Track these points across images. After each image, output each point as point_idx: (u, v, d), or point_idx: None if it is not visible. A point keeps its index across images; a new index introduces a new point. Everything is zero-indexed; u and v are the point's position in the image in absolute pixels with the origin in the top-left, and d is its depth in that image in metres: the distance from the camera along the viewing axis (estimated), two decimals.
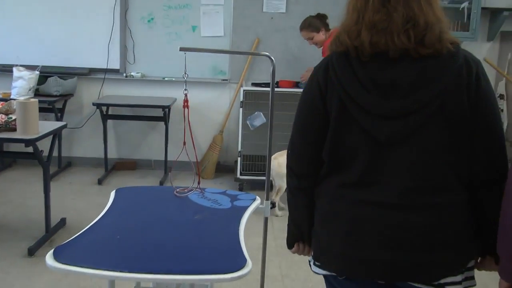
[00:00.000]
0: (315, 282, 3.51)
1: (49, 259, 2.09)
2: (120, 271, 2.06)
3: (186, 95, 2.91)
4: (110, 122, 5.55)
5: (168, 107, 5.19)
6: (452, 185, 1.57)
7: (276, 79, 5.41)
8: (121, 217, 2.62)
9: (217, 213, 2.68)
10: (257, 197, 2.93)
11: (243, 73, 5.59)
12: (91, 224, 2.44)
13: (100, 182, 5.22)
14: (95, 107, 5.26)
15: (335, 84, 1.62)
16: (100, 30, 5.46)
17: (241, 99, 5.11)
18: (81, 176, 5.38)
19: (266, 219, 2.99)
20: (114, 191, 2.91)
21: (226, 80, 5.65)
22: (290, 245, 1.94)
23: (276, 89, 5.10)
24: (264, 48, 5.60)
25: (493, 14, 5.55)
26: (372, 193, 1.60)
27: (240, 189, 5.09)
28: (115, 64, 5.53)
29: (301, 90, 5.07)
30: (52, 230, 3.93)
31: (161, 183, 5.25)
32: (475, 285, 1.65)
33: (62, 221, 4.14)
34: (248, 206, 2.78)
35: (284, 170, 4.64)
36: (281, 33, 5.59)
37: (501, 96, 5.49)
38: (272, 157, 4.61)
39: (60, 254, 2.13)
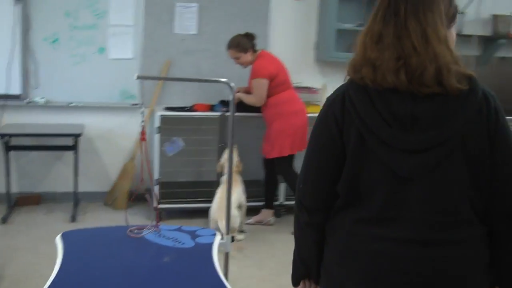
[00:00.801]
0: None
1: None
2: None
3: (143, 127, 2.70)
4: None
5: (79, 135, 4.84)
6: (471, 220, 1.57)
7: (191, 103, 5.28)
8: (82, 265, 2.36)
9: (184, 254, 2.51)
10: (217, 232, 2.79)
11: (154, 97, 5.37)
12: (54, 276, 2.17)
13: (4, 220, 4.72)
14: None
15: (353, 117, 1.57)
16: None
17: (158, 124, 4.88)
18: None
19: (227, 255, 2.87)
20: (60, 236, 2.64)
21: (137, 104, 5.38)
22: (296, 283, 1.86)
23: (193, 113, 5.03)
24: (176, 70, 5.43)
25: (488, 41, 5.87)
26: (391, 229, 1.56)
27: (160, 219, 4.85)
28: (16, 89, 5.05)
29: (216, 113, 5.00)
30: None
31: (73, 217, 4.86)
32: None
33: None
34: (212, 243, 2.64)
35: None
36: (192, 55, 5.46)
37: None
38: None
39: None
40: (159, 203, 4.92)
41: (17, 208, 5.10)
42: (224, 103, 5.19)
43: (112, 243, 2.61)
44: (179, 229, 2.81)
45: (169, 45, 5.39)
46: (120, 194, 5.27)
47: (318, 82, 5.81)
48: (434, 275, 1.53)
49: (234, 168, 4.52)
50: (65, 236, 2.63)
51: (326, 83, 5.82)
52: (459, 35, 5.92)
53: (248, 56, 4.76)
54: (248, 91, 4.87)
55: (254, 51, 4.79)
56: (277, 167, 4.91)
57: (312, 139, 1.70)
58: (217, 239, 2.68)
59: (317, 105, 5.42)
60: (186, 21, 5.40)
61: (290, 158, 4.82)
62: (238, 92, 4.78)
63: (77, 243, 2.58)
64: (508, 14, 5.99)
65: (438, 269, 1.53)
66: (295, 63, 5.78)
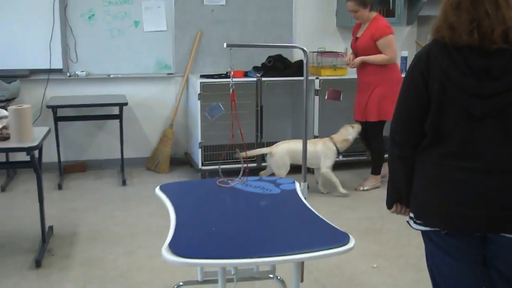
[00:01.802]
0: None
1: (169, 255, 2.12)
2: (243, 258, 2.16)
3: (233, 90, 3.01)
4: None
5: (125, 104, 5.11)
6: None
7: (223, 71, 5.56)
8: (194, 210, 2.66)
9: (275, 198, 2.82)
10: (295, 180, 3.10)
11: (188, 66, 5.64)
12: (174, 220, 2.46)
13: (60, 187, 5.02)
14: (41, 109, 5.04)
15: (437, 70, 1.92)
16: (39, 29, 5.21)
17: (199, 91, 5.16)
18: (34, 182, 5.12)
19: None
20: (158, 188, 2.92)
21: (172, 74, 5.66)
22: (390, 206, 2.24)
23: (228, 80, 5.28)
24: (206, 41, 5.69)
25: (411, 1, 6.11)
26: (469, 161, 1.91)
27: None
28: (58, 64, 5.30)
29: (252, 78, 5.29)
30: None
31: (124, 181, 5.17)
32: None
33: (50, 229, 3.98)
34: (295, 189, 2.95)
35: (281, 161, 4.87)
36: (222, 25, 5.71)
37: None
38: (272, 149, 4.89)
39: (177, 250, 2.16)
40: (202, 164, 5.25)
41: (66, 175, 5.38)
42: (257, 69, 5.48)
43: (208, 192, 2.91)
44: (260, 180, 3.11)
45: (200, 16, 5.64)
46: (162, 158, 5.58)
47: (340, 47, 6.10)
48: (504, 198, 1.88)
49: (341, 138, 4.98)
50: (163, 187, 2.93)
51: (347, 48, 6.11)
52: None
53: (366, 12, 4.88)
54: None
55: (371, 10, 4.93)
56: (370, 131, 5.11)
57: (403, 87, 2.07)
58: (297, 185, 3.00)
59: (344, 68, 5.73)
60: None
61: (383, 124, 5.08)
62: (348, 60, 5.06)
63: (177, 193, 2.86)
64: None
65: (508, 192, 1.88)
66: (318, 29, 6.10)
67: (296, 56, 5.88)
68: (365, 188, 5.16)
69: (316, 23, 6.08)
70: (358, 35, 5.03)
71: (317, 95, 5.53)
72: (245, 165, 3.00)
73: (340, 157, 5.33)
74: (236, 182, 3.00)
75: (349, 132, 5.01)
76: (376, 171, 5.23)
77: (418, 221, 2.06)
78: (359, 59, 4.95)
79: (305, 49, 3.11)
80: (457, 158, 1.94)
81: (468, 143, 1.92)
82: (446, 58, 1.91)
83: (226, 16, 5.71)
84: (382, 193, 5.26)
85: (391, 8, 5.92)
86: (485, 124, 1.90)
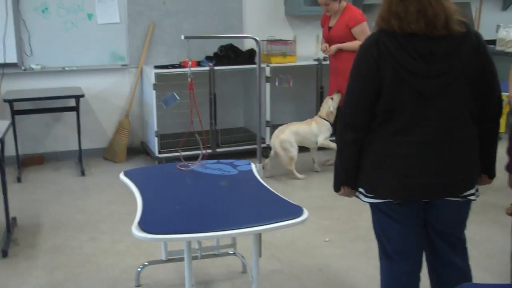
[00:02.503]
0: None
1: (139, 232, 2.31)
2: (207, 232, 2.36)
3: (191, 79, 3.18)
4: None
5: (82, 96, 5.21)
6: (469, 123, 2.20)
7: (176, 61, 5.71)
8: (158, 192, 2.85)
9: (233, 178, 3.03)
10: (251, 162, 3.31)
11: (142, 57, 5.76)
12: (141, 201, 2.63)
13: (19, 179, 5.09)
14: None
15: (387, 55, 2.13)
16: None
17: (154, 82, 5.30)
18: None
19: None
20: (123, 173, 3.08)
21: (126, 65, 5.77)
22: (337, 189, 2.43)
23: (184, 69, 5.44)
24: (159, 32, 5.83)
25: None
26: (417, 135, 2.15)
27: None
28: (12, 58, 5.33)
29: (205, 68, 5.46)
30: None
31: (82, 172, 5.28)
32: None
33: (14, 221, 4.08)
34: (251, 170, 3.17)
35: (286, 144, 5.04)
36: (174, 16, 5.85)
37: None
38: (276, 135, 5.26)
39: (146, 227, 2.34)
40: (159, 152, 5.41)
41: (24, 168, 5.44)
42: (209, 58, 5.66)
43: (170, 175, 3.09)
44: (218, 162, 3.31)
45: (152, 8, 5.76)
46: (119, 148, 5.71)
47: (288, 35, 6.32)
48: (447, 166, 2.16)
49: (326, 112, 5.33)
50: (128, 173, 3.09)
51: (296, 36, 6.35)
52: None
53: (336, 4, 5.08)
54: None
55: (341, 1, 5.13)
56: None
57: (355, 75, 2.27)
58: (253, 166, 3.21)
59: (293, 55, 5.97)
60: None
61: None
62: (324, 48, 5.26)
63: (140, 178, 3.03)
64: None
65: (449, 160, 2.16)
66: (266, 17, 6.29)
67: (247, 45, 6.07)
68: (329, 162, 5.48)
69: (265, 12, 6.28)
70: (331, 24, 5.21)
71: (268, 82, 5.73)
72: (204, 151, 3.19)
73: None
74: (195, 165, 3.19)
75: (330, 104, 5.29)
76: None
77: (369, 195, 2.28)
78: (336, 46, 5.14)
79: (257, 39, 3.31)
80: (405, 134, 2.16)
81: (416, 120, 2.15)
82: (396, 45, 2.12)
83: (178, 7, 5.85)
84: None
85: None
86: (432, 103, 2.13)
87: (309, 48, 6.50)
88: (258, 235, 2.77)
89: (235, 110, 6.31)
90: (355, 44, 5.04)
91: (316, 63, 6.02)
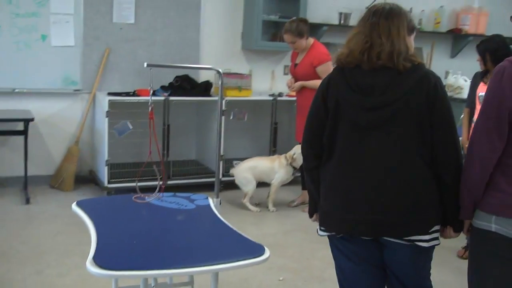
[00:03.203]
0: None
1: (94, 268, 2.19)
2: (166, 269, 2.27)
3: (152, 107, 3.09)
4: None
5: (31, 119, 5.02)
6: (419, 164, 2.15)
7: (130, 89, 5.61)
8: (114, 225, 2.72)
9: (191, 213, 2.95)
10: (208, 196, 3.24)
11: (95, 83, 5.63)
12: (95, 234, 2.51)
13: None
14: None
15: (333, 89, 2.24)
16: None
17: (107, 109, 5.17)
18: None
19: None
20: (75, 204, 2.94)
21: (78, 90, 5.62)
22: (310, 215, 2.50)
23: (139, 98, 5.35)
24: (114, 58, 5.72)
25: (314, 28, 6.46)
26: (357, 169, 2.18)
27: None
28: None
29: (160, 97, 5.38)
30: None
31: (28, 200, 5.05)
32: (439, 243, 2.25)
33: None
34: (209, 205, 3.09)
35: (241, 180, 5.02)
36: (130, 43, 5.77)
37: None
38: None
39: (101, 262, 2.23)
40: (109, 182, 5.25)
41: None
42: (165, 88, 5.58)
43: (125, 207, 2.98)
44: (175, 196, 3.22)
45: (108, 33, 5.67)
46: (67, 176, 5.51)
47: (244, 68, 6.34)
48: (390, 204, 2.13)
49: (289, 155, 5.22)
50: (80, 203, 2.96)
51: (252, 70, 6.37)
52: None
53: (303, 41, 5.05)
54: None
55: (307, 37, 5.11)
56: None
57: (310, 109, 2.37)
58: (210, 201, 3.14)
59: (249, 89, 5.96)
60: (124, 11, 5.70)
61: None
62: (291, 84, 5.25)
63: (94, 209, 2.90)
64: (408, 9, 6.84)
65: (393, 199, 2.13)
66: (223, 50, 6.30)
67: (202, 76, 6.04)
68: (294, 203, 5.40)
69: (222, 44, 6.29)
70: (298, 61, 5.22)
71: (223, 115, 5.69)
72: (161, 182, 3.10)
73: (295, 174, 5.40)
74: (152, 198, 3.09)
75: (295, 149, 5.18)
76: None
77: (321, 228, 2.32)
78: (300, 83, 5.15)
79: (220, 70, 3.28)
80: (348, 166, 2.21)
81: (357, 152, 2.19)
82: (341, 78, 2.23)
83: (134, 35, 5.77)
84: (286, 210, 5.53)
85: None
86: (371, 135, 2.16)
87: (264, 83, 6.53)
88: (217, 274, 2.69)
89: (188, 142, 6.24)
90: (317, 83, 5.05)
91: (271, 98, 6.04)
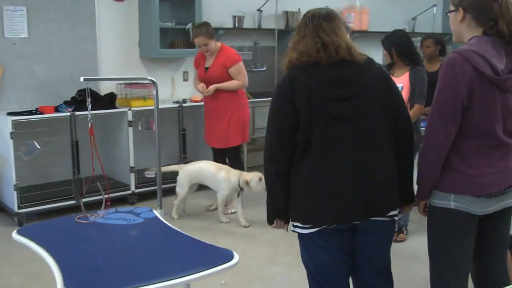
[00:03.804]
0: None
1: None
2: (145, 284, 2.22)
3: (91, 124, 2.99)
4: None
5: None
6: (386, 146, 2.35)
7: (31, 107, 5.33)
8: (68, 249, 2.61)
9: (142, 227, 2.90)
10: (152, 208, 3.20)
11: None
12: (53, 260, 2.40)
13: None
14: None
15: (300, 87, 2.28)
16: None
17: (11, 130, 4.87)
18: None
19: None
20: (16, 231, 2.79)
21: None
22: (270, 222, 2.53)
23: (44, 115, 5.10)
24: (10, 75, 5.41)
25: None
26: (342, 160, 2.28)
27: (20, 224, 4.90)
28: None
29: (65, 113, 5.17)
30: None
31: None
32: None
33: None
34: (156, 216, 3.06)
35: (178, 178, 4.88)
36: (26, 59, 5.48)
37: None
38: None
39: (75, 286, 2.15)
40: (19, 207, 4.95)
41: None
42: (68, 103, 5.37)
43: (72, 230, 2.86)
44: (117, 212, 3.14)
45: (1, 49, 5.34)
46: None
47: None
48: (373, 182, 2.29)
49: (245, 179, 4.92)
50: (23, 230, 2.80)
51: (152, 78, 6.27)
52: (260, 29, 6.92)
53: (213, 43, 5.06)
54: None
55: (215, 40, 5.11)
56: (232, 155, 5.34)
57: (274, 111, 2.38)
58: (157, 212, 3.11)
59: (152, 98, 5.88)
60: (16, 25, 5.40)
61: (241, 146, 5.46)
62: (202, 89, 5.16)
63: (40, 235, 2.75)
64: (296, 10, 7.13)
65: (369, 179, 2.29)
66: (122, 60, 6.17)
67: (104, 89, 5.88)
68: (232, 210, 5.32)
69: (120, 54, 6.15)
70: (207, 65, 5.21)
71: (130, 126, 5.59)
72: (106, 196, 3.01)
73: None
74: (94, 218, 2.98)
75: (255, 180, 4.85)
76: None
77: (306, 226, 2.34)
78: (214, 86, 5.13)
79: (154, 80, 3.25)
80: (328, 159, 2.28)
81: (335, 144, 2.28)
82: (306, 75, 2.28)
83: (30, 50, 5.48)
84: (208, 214, 5.47)
85: (191, 39, 6.26)
86: (346, 126, 2.28)
87: (165, 90, 6.48)
88: (188, 284, 2.67)
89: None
90: (232, 84, 5.15)
91: (177, 105, 6.01)
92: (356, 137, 2.29)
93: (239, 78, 5.20)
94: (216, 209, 5.31)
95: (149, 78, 3.34)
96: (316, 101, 2.27)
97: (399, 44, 4.25)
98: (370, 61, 2.37)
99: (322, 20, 2.36)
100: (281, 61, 2.43)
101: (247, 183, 4.88)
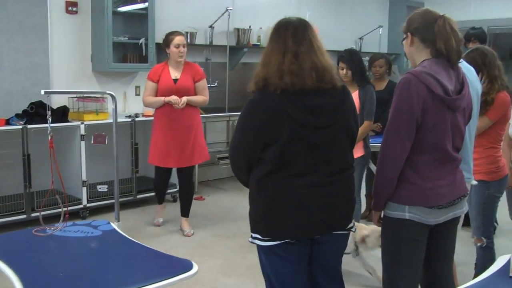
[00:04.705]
0: None
1: None
2: None
3: (51, 136, 3.02)
4: None
5: None
6: (349, 166, 2.52)
7: None
8: (28, 262, 2.62)
9: (101, 239, 2.94)
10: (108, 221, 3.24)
11: None
12: (14, 274, 2.41)
13: None
14: None
15: (278, 111, 2.32)
16: None
17: None
18: None
19: None
20: None
21: None
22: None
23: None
24: None
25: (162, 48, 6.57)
26: (310, 178, 2.39)
27: None
28: None
29: (16, 126, 5.12)
30: None
31: None
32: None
33: None
34: (114, 229, 3.10)
35: None
36: None
37: None
38: None
39: None
40: None
41: None
42: (19, 116, 5.32)
43: (30, 243, 2.86)
44: (74, 225, 3.17)
45: None
46: None
47: (97, 91, 6.23)
48: (335, 203, 2.44)
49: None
50: None
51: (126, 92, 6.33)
52: (211, 45, 7.02)
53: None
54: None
55: None
56: (189, 174, 5.23)
57: (243, 128, 2.42)
58: (115, 224, 3.15)
59: (106, 112, 5.90)
60: None
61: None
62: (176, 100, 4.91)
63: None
64: (247, 27, 7.28)
65: (337, 199, 2.44)
66: (74, 74, 6.15)
67: (55, 102, 5.83)
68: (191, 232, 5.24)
69: (72, 67, 6.13)
70: (175, 77, 5.01)
71: (83, 140, 5.57)
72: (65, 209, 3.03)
73: None
74: (51, 231, 3.00)
75: (369, 231, 3.90)
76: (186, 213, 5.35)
77: (266, 238, 2.43)
78: (186, 98, 4.95)
79: (113, 94, 3.30)
80: (299, 178, 2.37)
81: (309, 166, 2.38)
82: (285, 101, 2.31)
83: None
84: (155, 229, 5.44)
85: (144, 54, 6.31)
86: (321, 151, 2.39)
87: (117, 105, 6.43)
88: None
89: (48, 170, 5.94)
90: (200, 99, 5.08)
91: (129, 119, 6.03)
92: (328, 161, 2.40)
93: (205, 93, 5.14)
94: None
95: (108, 92, 3.37)
96: (295, 128, 2.32)
97: (357, 63, 4.41)
98: (345, 90, 2.47)
99: (312, 37, 2.40)
100: (253, 76, 2.44)
101: (363, 239, 3.89)
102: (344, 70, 4.36)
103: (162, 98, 4.96)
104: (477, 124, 3.27)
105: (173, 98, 4.93)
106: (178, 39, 4.96)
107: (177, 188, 5.75)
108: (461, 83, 2.47)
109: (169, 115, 5.01)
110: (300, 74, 2.34)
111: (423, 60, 2.45)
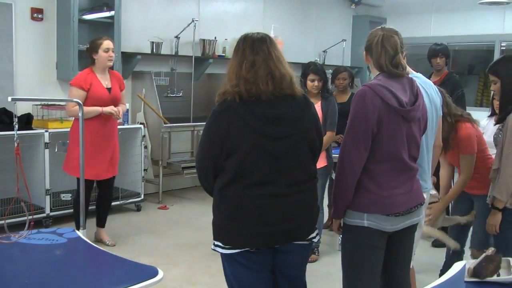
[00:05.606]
0: None
1: None
2: None
3: (18, 143, 3.02)
4: None
5: None
6: (312, 178, 2.58)
7: None
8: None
9: (66, 247, 2.95)
10: (74, 228, 3.25)
11: None
12: None
13: None
14: None
15: (239, 120, 2.39)
16: None
17: None
18: None
19: None
20: None
21: None
22: None
23: None
24: None
25: (128, 57, 6.61)
26: (270, 188, 2.44)
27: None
28: None
29: None
30: None
31: None
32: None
33: None
34: (79, 237, 3.12)
35: None
36: None
37: (142, 124, 6.57)
38: None
39: None
40: None
41: None
42: None
43: None
44: (39, 232, 3.17)
45: None
46: None
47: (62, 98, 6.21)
48: (296, 213, 2.48)
49: None
50: None
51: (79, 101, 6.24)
52: (177, 55, 7.07)
53: None
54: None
55: None
56: (111, 184, 5.18)
57: (208, 137, 2.49)
58: (80, 232, 3.17)
59: (70, 120, 5.87)
60: None
61: None
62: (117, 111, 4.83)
63: None
64: (213, 38, 7.36)
65: (298, 209, 2.49)
66: (39, 81, 6.11)
67: (19, 110, 5.78)
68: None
69: (37, 75, 6.09)
70: (107, 85, 4.89)
71: (47, 148, 5.54)
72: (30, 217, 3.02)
73: None
74: (15, 239, 2.99)
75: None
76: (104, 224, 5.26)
77: (226, 246, 2.48)
78: (122, 109, 4.95)
79: (80, 102, 3.32)
80: (259, 188, 2.42)
81: (269, 175, 2.42)
82: (245, 110, 2.38)
83: None
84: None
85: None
86: (283, 161, 2.44)
87: None
88: None
89: (9, 179, 5.87)
90: (125, 108, 5.13)
91: None
92: (285, 170, 2.44)
93: (124, 102, 5.16)
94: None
95: (75, 100, 3.38)
96: (254, 138, 2.38)
97: (325, 76, 4.54)
98: (307, 100, 2.53)
99: (271, 48, 2.46)
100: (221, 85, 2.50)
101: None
102: (316, 82, 4.49)
103: (100, 109, 4.76)
104: (466, 164, 3.52)
105: (114, 109, 4.83)
106: (107, 43, 4.87)
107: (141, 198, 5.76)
108: (415, 95, 2.60)
109: (103, 126, 4.87)
110: (255, 81, 2.40)
111: (378, 74, 2.58)
